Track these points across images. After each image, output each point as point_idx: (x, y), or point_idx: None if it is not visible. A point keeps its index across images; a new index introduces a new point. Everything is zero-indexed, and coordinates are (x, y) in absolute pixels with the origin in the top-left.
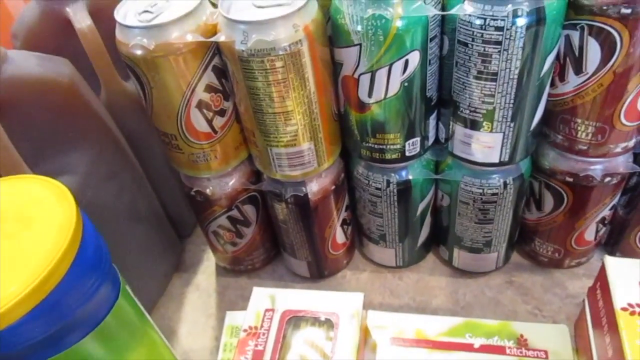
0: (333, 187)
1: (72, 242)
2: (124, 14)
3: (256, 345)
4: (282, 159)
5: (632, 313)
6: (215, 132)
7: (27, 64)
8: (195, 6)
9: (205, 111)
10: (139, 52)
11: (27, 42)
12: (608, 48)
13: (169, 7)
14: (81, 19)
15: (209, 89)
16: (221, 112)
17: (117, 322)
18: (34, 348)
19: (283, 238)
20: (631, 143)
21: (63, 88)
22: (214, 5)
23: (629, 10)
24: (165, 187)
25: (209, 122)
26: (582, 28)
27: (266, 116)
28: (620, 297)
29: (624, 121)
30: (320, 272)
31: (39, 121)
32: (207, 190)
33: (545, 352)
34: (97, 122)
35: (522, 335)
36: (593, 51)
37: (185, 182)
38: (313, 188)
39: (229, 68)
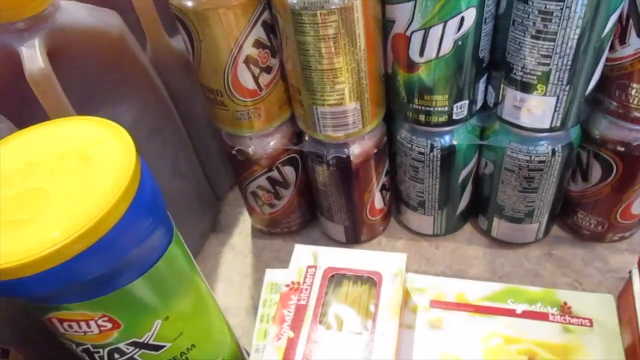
0: (375, 150)
1: (131, 183)
2: None
3: (299, 300)
4: (327, 118)
5: None
6: (261, 89)
7: (78, 14)
8: None
9: (252, 67)
10: (190, 3)
11: None
12: None
13: None
14: None
15: (257, 44)
16: (268, 69)
17: (168, 267)
18: (88, 285)
19: (321, 201)
20: None
21: (113, 40)
22: None
23: None
24: (204, 147)
25: (256, 78)
26: None
27: (314, 73)
28: None
29: None
30: (356, 237)
31: (88, 71)
32: (249, 150)
33: (590, 320)
34: (144, 76)
35: (565, 303)
36: None
37: (227, 140)
38: (355, 150)
39: (279, 23)
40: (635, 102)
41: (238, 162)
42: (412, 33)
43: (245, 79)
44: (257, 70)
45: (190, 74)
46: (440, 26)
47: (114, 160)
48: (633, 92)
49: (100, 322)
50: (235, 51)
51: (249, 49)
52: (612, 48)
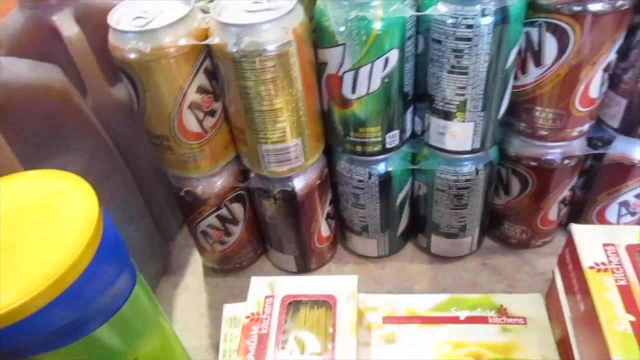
0: (318, 182)
1: (95, 232)
2: (117, 20)
3: (260, 329)
4: (271, 155)
5: (598, 270)
6: (206, 132)
7: (19, 70)
8: (187, 12)
9: (196, 111)
10: (133, 55)
11: (12, 50)
12: (562, 42)
13: (161, 13)
14: (69, 26)
15: (201, 90)
16: (211, 113)
17: (133, 309)
18: (54, 335)
19: (270, 234)
20: (585, 127)
21: (56, 93)
22: (204, 11)
23: (579, 8)
24: (150, 191)
25: (200, 122)
26: (540, 25)
27: (257, 114)
28: (587, 258)
29: (578, 107)
30: (307, 266)
31: (33, 125)
32: (198, 190)
33: (524, 318)
34: (89, 126)
35: (502, 306)
36: (550, 45)
37: (175, 183)
38: (300, 183)
39: (220, 70)
40: (540, 122)
41: (187, 203)
42: (343, 73)
43: (191, 123)
44: (201, 115)
45: (133, 121)
46: (369, 66)
47: (77, 211)
48: (537, 114)
49: None
50: (180, 98)
51: (192, 95)
52: (516, 77)
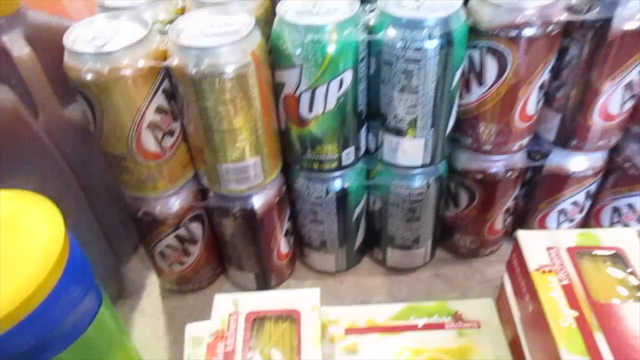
0: (277, 199)
1: (62, 252)
2: (73, 41)
3: (226, 347)
4: (230, 174)
5: (543, 272)
6: (165, 152)
7: None
8: (146, 34)
9: (155, 131)
10: (91, 76)
11: None
12: (501, 63)
13: (117, 35)
14: (19, 47)
15: (159, 110)
16: (170, 132)
17: (98, 331)
18: (20, 359)
19: (230, 252)
20: (525, 141)
21: (7, 113)
22: (162, 33)
23: (515, 33)
24: (104, 212)
25: (159, 142)
26: (481, 48)
27: (216, 134)
28: (532, 261)
29: (518, 123)
30: (267, 283)
31: None
32: (156, 210)
33: (478, 322)
34: (41, 147)
35: (457, 312)
36: (490, 67)
37: (132, 204)
38: (259, 201)
39: (179, 90)
40: (484, 137)
41: (145, 224)
42: (301, 93)
43: (149, 143)
44: (160, 134)
45: (86, 141)
46: (325, 86)
47: (42, 231)
48: (481, 129)
49: None
50: (138, 118)
51: (151, 116)
52: (461, 96)
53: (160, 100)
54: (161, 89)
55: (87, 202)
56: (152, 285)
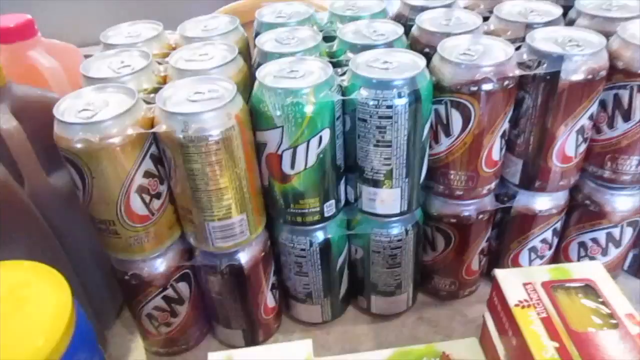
0: (262, 254)
1: (69, 322)
2: (62, 112)
3: None
4: (217, 231)
5: (523, 307)
6: (153, 214)
7: None
8: (133, 103)
9: (144, 195)
10: (81, 146)
11: None
12: (465, 115)
13: (106, 105)
14: (6, 120)
15: (147, 174)
16: (157, 195)
17: None
18: None
19: (217, 310)
20: (492, 185)
21: None
22: (146, 102)
23: (475, 88)
24: (88, 278)
25: (147, 205)
26: (446, 102)
27: (203, 194)
28: (512, 297)
29: (485, 169)
30: (254, 339)
31: None
32: (143, 272)
33: None
34: (29, 215)
35: (444, 352)
36: (456, 119)
37: (118, 267)
38: (245, 257)
39: (166, 154)
40: (455, 183)
41: (131, 287)
42: (283, 152)
43: (137, 206)
44: (148, 198)
45: (71, 208)
46: (305, 144)
47: (49, 301)
48: (451, 176)
49: None
50: (127, 183)
51: (140, 180)
52: (431, 147)
53: (148, 164)
54: (149, 154)
55: (72, 267)
56: (138, 349)
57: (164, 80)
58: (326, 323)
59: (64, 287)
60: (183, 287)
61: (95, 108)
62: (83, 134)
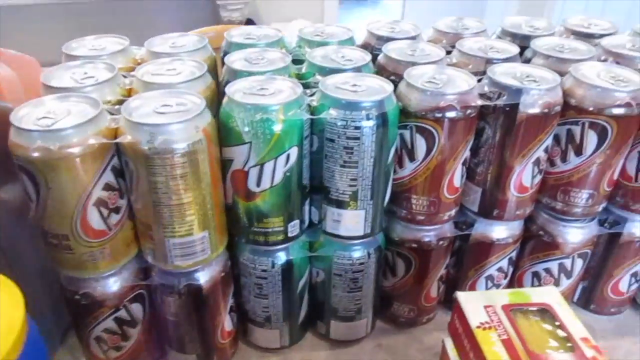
0: (222, 274)
1: (20, 335)
2: (20, 119)
3: None
4: (177, 249)
5: (484, 329)
6: (110, 229)
7: None
8: (96, 113)
9: (102, 209)
10: (38, 154)
11: None
12: (430, 141)
13: (68, 114)
14: None
15: (107, 187)
16: (116, 210)
17: None
18: None
19: (171, 334)
20: (453, 212)
21: None
22: (110, 113)
23: (440, 115)
24: (33, 300)
25: (105, 219)
26: (411, 128)
27: (165, 208)
28: (473, 319)
29: (446, 195)
30: None
31: None
32: (95, 291)
33: None
34: None
35: None
36: (420, 144)
37: (68, 286)
38: (205, 277)
39: (130, 167)
40: (418, 208)
41: (81, 307)
42: (249, 168)
43: (94, 220)
44: (106, 212)
45: (19, 223)
46: (272, 162)
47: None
48: (414, 201)
49: None
50: (85, 196)
51: (98, 193)
52: (395, 171)
53: (108, 177)
54: (110, 166)
55: (16, 285)
56: None
57: (129, 94)
58: (284, 349)
59: (18, 299)
60: (136, 308)
61: (56, 116)
62: (42, 142)
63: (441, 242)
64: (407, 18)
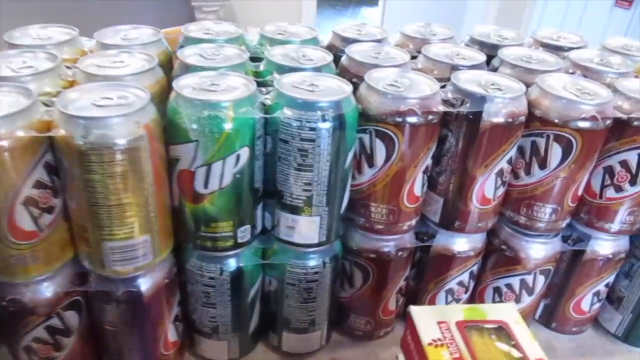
0: (166, 281)
1: None
2: None
3: None
4: (116, 253)
5: (436, 346)
6: (41, 230)
7: None
8: (28, 104)
9: (32, 208)
10: None
11: None
12: (389, 146)
13: None
14: None
15: (39, 185)
16: (49, 209)
17: None
18: None
19: (109, 344)
20: (413, 222)
21: None
22: (45, 105)
23: (400, 119)
24: None
25: (35, 220)
26: (371, 132)
27: (102, 209)
28: (425, 335)
29: (406, 204)
30: None
31: None
32: (25, 298)
33: None
34: None
35: None
36: (379, 149)
37: None
38: (146, 283)
39: (63, 163)
40: (376, 217)
41: (9, 314)
42: (196, 169)
43: (23, 221)
44: (37, 212)
45: None
46: (221, 162)
47: None
48: (372, 209)
49: None
50: (12, 194)
51: (28, 191)
52: (353, 177)
53: (40, 174)
54: (42, 161)
55: None
56: None
57: (71, 86)
58: None
59: None
60: (71, 316)
61: None
62: None
63: (400, 253)
64: (386, 27)
